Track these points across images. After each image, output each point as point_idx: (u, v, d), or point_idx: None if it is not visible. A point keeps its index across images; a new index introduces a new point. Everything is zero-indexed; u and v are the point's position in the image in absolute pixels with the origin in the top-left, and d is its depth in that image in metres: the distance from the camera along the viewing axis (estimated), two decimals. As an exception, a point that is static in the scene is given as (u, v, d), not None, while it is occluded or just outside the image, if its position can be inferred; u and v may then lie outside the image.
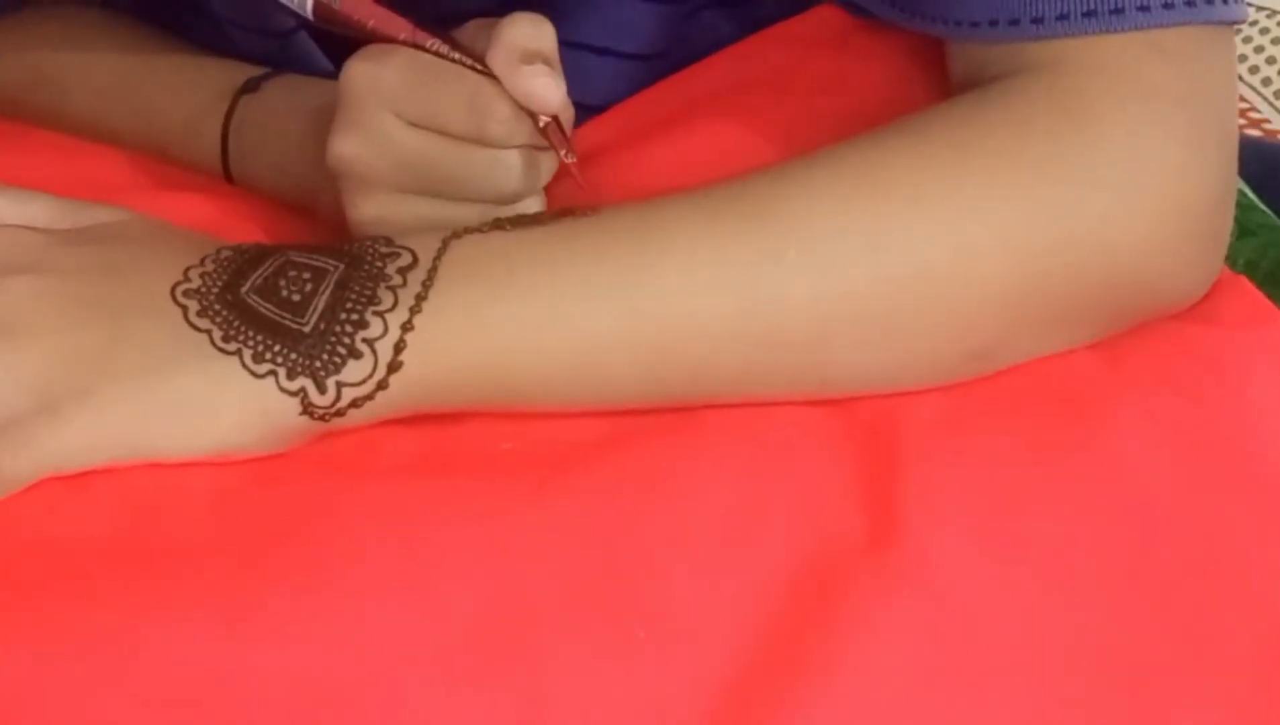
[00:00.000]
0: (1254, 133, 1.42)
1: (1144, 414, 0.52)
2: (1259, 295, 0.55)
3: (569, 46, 0.57)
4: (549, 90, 0.51)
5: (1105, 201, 0.51)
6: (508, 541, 0.47)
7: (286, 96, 0.61)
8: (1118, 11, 0.52)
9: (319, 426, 0.50)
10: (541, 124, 0.52)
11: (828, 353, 0.51)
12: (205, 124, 0.62)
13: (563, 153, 0.53)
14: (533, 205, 0.54)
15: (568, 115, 0.54)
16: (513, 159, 0.52)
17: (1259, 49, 1.47)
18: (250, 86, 0.62)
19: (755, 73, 0.63)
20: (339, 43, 0.59)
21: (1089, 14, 0.52)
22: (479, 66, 0.52)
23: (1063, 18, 0.52)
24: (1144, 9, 0.52)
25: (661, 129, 0.61)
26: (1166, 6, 0.52)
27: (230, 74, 0.63)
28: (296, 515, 0.48)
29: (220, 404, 0.49)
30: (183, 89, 0.64)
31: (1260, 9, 1.48)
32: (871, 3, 0.60)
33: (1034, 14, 0.53)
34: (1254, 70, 1.46)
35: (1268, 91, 1.47)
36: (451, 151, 0.52)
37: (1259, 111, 1.45)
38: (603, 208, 0.52)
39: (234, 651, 0.44)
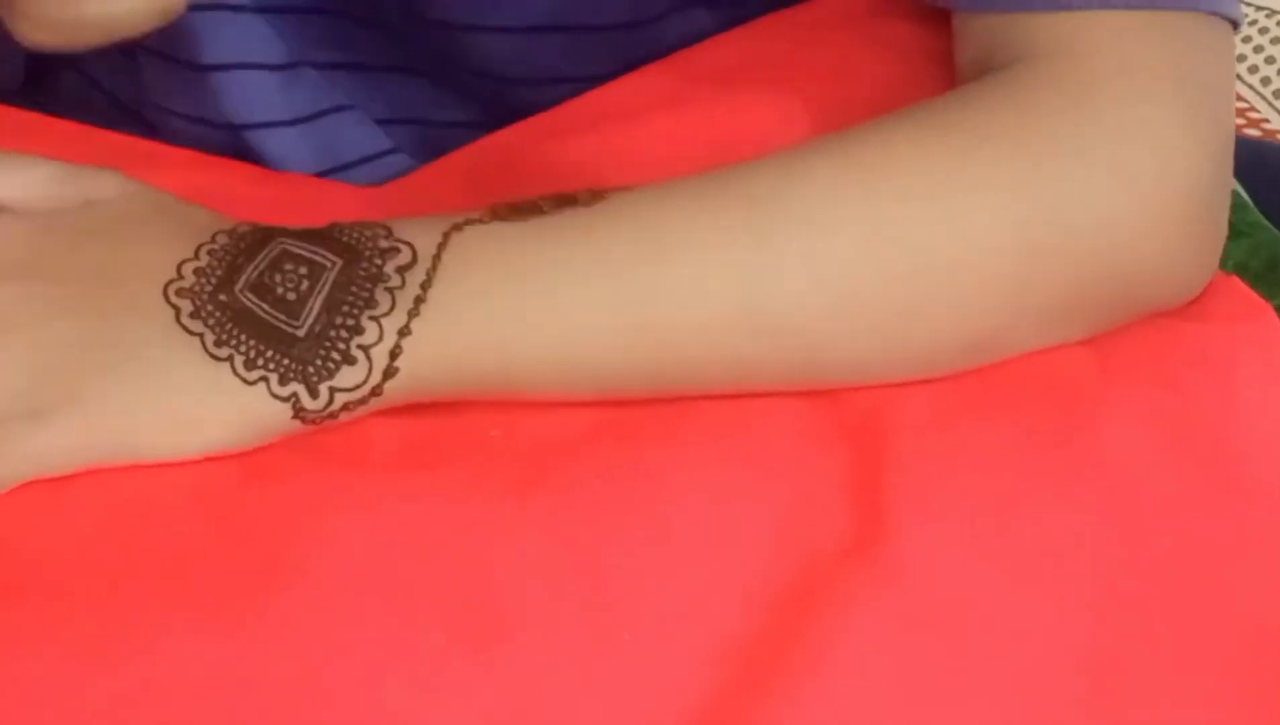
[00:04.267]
0: (1253, 132, 1.42)
1: (1133, 409, 0.51)
2: (1248, 290, 0.55)
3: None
4: None
5: (1105, 185, 0.51)
6: (490, 544, 0.47)
7: None
8: None
9: (309, 428, 0.50)
10: None
11: (822, 340, 0.51)
12: None
13: None
14: None
15: None
16: None
17: (1258, 49, 1.47)
18: None
19: (764, 55, 0.62)
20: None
21: None
22: None
23: None
24: None
25: (663, 106, 0.60)
26: None
27: None
28: (282, 517, 0.48)
29: (209, 410, 0.49)
30: None
31: (1260, 9, 1.48)
32: None
33: None
34: (1253, 70, 1.47)
35: (1267, 91, 1.47)
36: None
37: (1258, 111, 1.45)
38: (604, 195, 0.52)
39: (219, 656, 0.44)
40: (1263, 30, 1.47)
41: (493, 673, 0.44)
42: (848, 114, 0.55)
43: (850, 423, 0.51)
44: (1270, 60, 1.47)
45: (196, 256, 0.50)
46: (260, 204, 0.56)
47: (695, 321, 0.50)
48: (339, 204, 0.60)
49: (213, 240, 0.51)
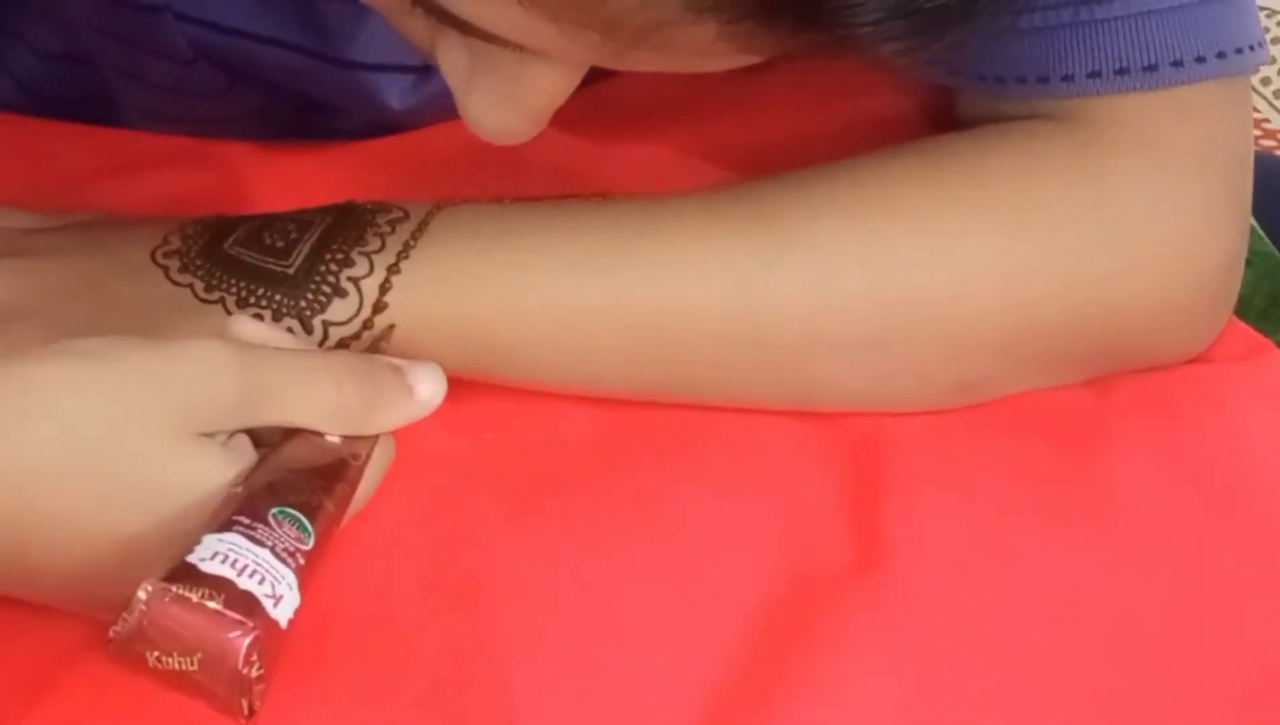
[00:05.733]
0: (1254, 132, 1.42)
1: (1135, 437, 0.52)
2: (1248, 328, 0.55)
3: None
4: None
5: (1113, 258, 0.50)
6: (482, 570, 0.47)
7: None
8: (1151, 68, 0.50)
9: None
10: None
11: (813, 363, 0.50)
12: None
13: None
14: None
15: None
16: None
17: (1259, 49, 1.47)
18: None
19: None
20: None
21: (1121, 71, 0.50)
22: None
23: (1094, 75, 0.50)
24: (1177, 64, 0.50)
25: (671, 112, 0.60)
26: (1199, 60, 0.50)
27: None
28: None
29: None
30: None
31: (1260, 9, 1.48)
32: None
33: (1064, 71, 0.51)
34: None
35: (1267, 91, 1.47)
36: None
37: (1259, 111, 1.45)
38: (611, 196, 0.52)
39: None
40: (1263, 30, 1.47)
41: (481, 708, 0.44)
42: (853, 134, 0.55)
43: (850, 446, 0.51)
44: (1271, 60, 1.47)
45: (182, 228, 0.51)
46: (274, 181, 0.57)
47: (683, 316, 0.49)
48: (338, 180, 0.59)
49: (197, 219, 0.51)
